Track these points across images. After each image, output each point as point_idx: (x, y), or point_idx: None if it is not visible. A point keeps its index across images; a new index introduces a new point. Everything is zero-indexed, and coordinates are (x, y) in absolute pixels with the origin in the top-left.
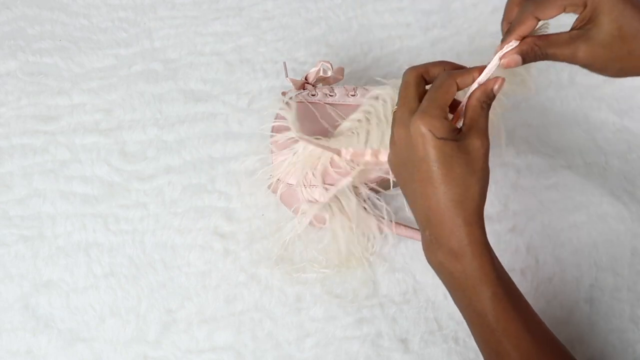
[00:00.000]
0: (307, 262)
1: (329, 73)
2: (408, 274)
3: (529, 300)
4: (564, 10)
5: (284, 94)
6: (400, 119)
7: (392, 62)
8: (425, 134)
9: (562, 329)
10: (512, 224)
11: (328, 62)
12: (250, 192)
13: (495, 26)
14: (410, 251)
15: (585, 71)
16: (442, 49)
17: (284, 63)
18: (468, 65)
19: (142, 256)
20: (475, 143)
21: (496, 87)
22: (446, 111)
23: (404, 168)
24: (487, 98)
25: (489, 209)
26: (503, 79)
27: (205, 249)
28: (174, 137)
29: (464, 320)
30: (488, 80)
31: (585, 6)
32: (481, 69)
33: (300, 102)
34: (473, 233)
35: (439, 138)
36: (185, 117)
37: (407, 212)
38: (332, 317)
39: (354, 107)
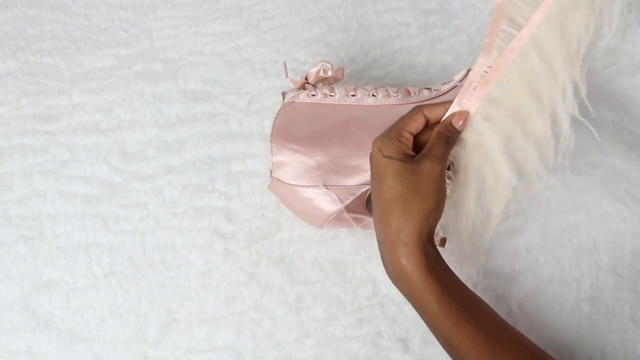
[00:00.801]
0: None
1: (329, 73)
2: None
3: (529, 301)
4: None
5: (284, 94)
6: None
7: (392, 62)
8: (375, 152)
9: (562, 329)
10: (512, 225)
11: (328, 62)
12: (250, 192)
13: None
14: None
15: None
16: (442, 48)
17: (284, 63)
18: (467, 65)
19: (142, 256)
20: (425, 165)
21: (460, 123)
22: (402, 135)
23: (372, 191)
24: (446, 130)
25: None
26: (467, 116)
27: (205, 249)
28: (174, 137)
29: None
30: (452, 114)
31: None
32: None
33: (300, 102)
34: (410, 255)
35: (384, 156)
36: (185, 117)
37: None
38: (332, 317)
39: (354, 107)
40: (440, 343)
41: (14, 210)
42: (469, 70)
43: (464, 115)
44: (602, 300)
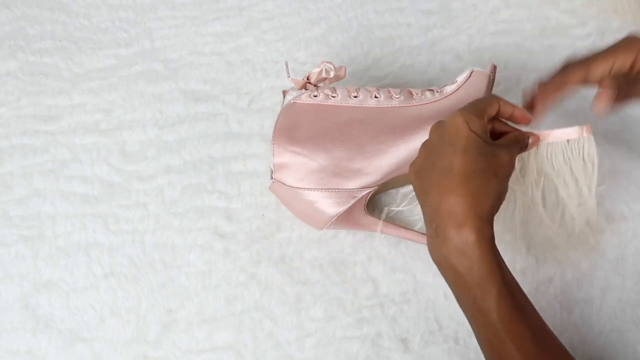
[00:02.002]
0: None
1: (332, 74)
2: (408, 274)
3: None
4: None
5: (284, 92)
6: (439, 122)
7: (393, 62)
8: (461, 124)
9: (562, 329)
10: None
11: (330, 62)
12: (250, 192)
13: (495, 26)
14: (410, 251)
15: None
16: (442, 48)
17: (286, 63)
18: (467, 65)
19: (142, 256)
20: (503, 156)
21: (530, 140)
22: (484, 116)
23: (427, 160)
24: (521, 138)
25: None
26: (538, 139)
27: (205, 249)
28: (174, 137)
29: (464, 320)
30: (529, 131)
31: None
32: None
33: (301, 103)
34: (483, 229)
35: (472, 130)
36: (185, 117)
37: (407, 212)
38: (332, 317)
39: (356, 109)
40: (482, 324)
41: (14, 210)
42: (472, 72)
43: (538, 139)
44: (602, 300)
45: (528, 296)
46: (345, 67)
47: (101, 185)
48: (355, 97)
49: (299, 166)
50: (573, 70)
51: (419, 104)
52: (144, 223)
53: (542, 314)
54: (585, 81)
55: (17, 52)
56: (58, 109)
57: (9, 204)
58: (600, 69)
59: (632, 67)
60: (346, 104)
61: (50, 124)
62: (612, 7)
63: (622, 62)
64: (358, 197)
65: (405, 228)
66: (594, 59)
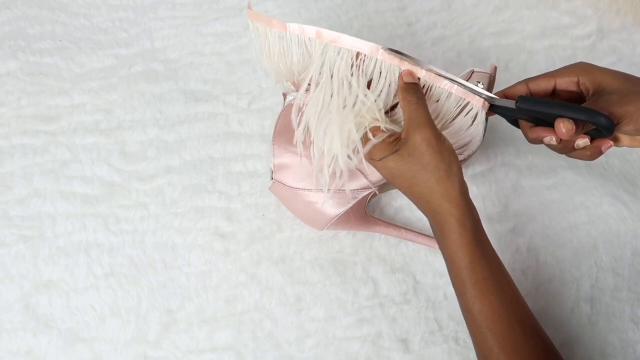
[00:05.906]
0: None
1: None
2: (408, 274)
3: (529, 301)
4: (554, 86)
5: (285, 94)
6: None
7: None
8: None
9: (562, 329)
10: (513, 225)
11: None
12: (250, 193)
13: (495, 26)
14: (410, 251)
15: None
16: (443, 48)
17: None
18: (467, 65)
19: (143, 256)
20: (415, 140)
21: (404, 76)
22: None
23: None
24: (406, 90)
25: (490, 209)
26: (411, 69)
27: (205, 249)
28: (174, 137)
29: (464, 321)
30: (400, 75)
31: (577, 85)
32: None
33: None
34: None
35: (377, 160)
36: (185, 117)
37: (407, 213)
38: (332, 317)
39: None
40: (461, 306)
41: (14, 210)
42: (472, 72)
43: (408, 70)
44: (602, 300)
45: (528, 296)
46: None
47: (101, 185)
48: None
49: (299, 167)
50: (520, 82)
51: None
52: (144, 223)
53: (542, 314)
54: (529, 94)
55: (17, 52)
56: (58, 109)
57: (9, 204)
58: (542, 85)
59: (583, 89)
60: None
61: (50, 124)
62: (612, 7)
63: (566, 83)
64: (358, 198)
65: (405, 228)
66: (539, 75)
